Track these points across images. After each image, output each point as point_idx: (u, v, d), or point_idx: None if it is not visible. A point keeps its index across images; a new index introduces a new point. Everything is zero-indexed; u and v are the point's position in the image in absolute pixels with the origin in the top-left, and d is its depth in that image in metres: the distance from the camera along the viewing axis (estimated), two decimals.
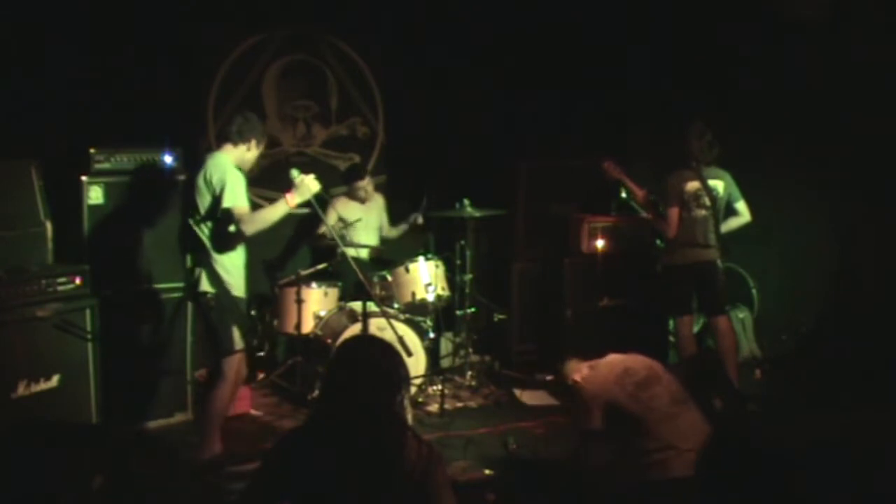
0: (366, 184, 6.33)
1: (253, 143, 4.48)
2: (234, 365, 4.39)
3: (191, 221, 4.38)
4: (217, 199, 4.24)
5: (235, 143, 4.44)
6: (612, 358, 3.76)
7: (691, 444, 3.32)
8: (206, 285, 4.33)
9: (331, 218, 5.98)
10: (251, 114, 4.60)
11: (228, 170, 4.28)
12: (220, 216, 4.27)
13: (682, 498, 3.35)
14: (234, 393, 4.56)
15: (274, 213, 4.35)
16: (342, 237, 5.66)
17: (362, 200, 6.36)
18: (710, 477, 3.62)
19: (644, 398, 3.48)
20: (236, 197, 4.24)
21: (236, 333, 4.37)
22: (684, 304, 5.52)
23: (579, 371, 3.77)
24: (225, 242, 4.35)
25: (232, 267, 4.38)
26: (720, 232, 5.40)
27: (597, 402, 3.56)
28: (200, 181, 4.29)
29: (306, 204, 4.43)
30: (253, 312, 4.44)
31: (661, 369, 3.64)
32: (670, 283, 5.54)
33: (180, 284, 5.01)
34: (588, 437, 3.63)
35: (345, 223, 6.08)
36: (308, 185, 4.34)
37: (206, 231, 4.33)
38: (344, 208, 6.25)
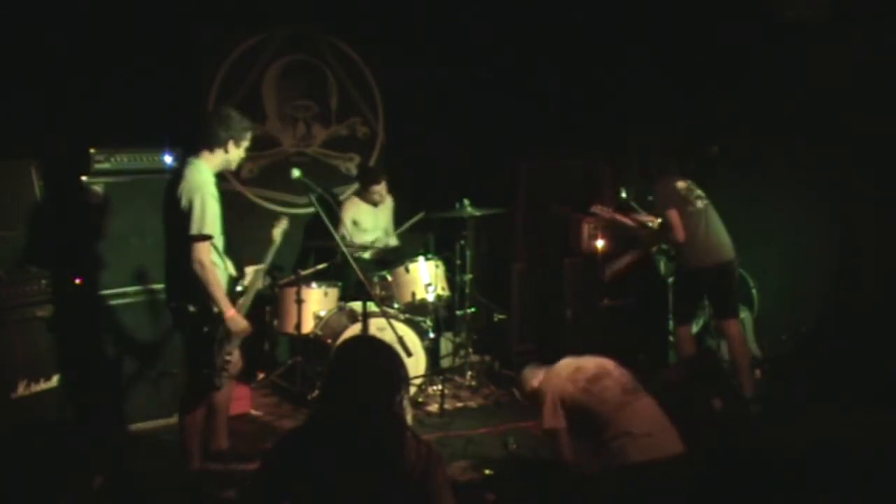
0: (381, 188, 6.24)
1: (231, 144, 4.09)
2: (201, 381, 4.10)
3: (167, 229, 4.09)
4: (185, 222, 3.89)
5: (212, 149, 4.06)
6: (565, 360, 4.03)
7: (646, 429, 3.60)
8: (180, 300, 4.03)
9: (345, 220, 6.02)
10: (227, 109, 4.21)
11: (201, 191, 3.91)
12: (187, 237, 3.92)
13: (670, 480, 3.49)
14: (201, 404, 4.20)
15: (215, 294, 3.92)
16: (343, 237, 5.66)
17: (375, 204, 6.31)
18: (710, 477, 3.67)
19: (595, 391, 3.76)
20: (200, 226, 3.87)
21: (207, 350, 4.03)
22: (694, 311, 5.55)
23: (537, 377, 4.05)
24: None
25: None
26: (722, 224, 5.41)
27: (556, 401, 3.83)
28: (174, 194, 3.94)
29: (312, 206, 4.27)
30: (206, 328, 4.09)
31: (612, 365, 3.90)
32: (686, 288, 5.50)
33: None
34: (554, 435, 3.87)
35: (358, 226, 6.17)
36: (236, 323, 4.00)
37: (180, 244, 3.94)
38: (356, 211, 6.24)
